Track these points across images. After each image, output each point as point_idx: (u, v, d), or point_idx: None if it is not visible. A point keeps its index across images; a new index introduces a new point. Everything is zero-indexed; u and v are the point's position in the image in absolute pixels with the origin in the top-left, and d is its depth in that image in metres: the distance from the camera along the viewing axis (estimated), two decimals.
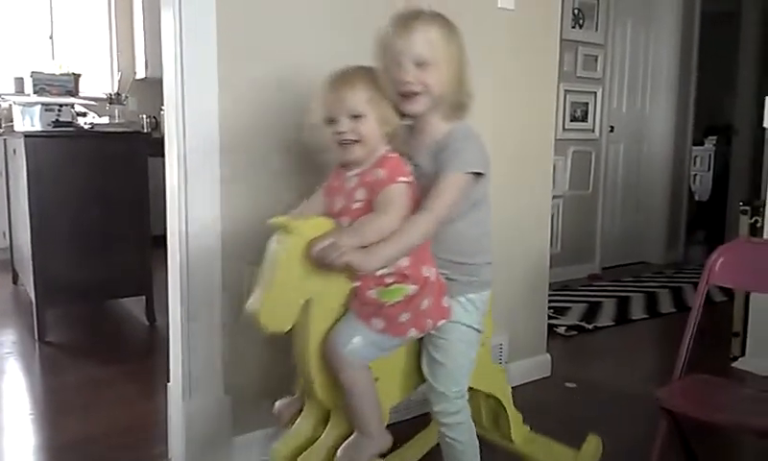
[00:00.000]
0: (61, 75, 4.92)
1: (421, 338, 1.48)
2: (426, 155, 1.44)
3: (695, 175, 6.47)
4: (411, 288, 1.38)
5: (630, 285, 4.36)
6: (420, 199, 1.39)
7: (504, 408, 1.79)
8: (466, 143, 1.41)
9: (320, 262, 1.29)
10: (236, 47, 1.80)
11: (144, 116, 5.44)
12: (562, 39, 2.65)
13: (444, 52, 1.40)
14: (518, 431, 1.82)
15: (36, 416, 2.32)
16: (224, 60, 1.77)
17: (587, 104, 4.50)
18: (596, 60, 4.47)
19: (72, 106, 3.55)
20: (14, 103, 3.60)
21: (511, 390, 1.83)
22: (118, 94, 5.39)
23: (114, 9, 5.67)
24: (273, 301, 1.29)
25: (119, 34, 5.70)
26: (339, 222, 1.40)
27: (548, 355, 2.70)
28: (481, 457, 1.55)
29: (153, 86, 5.10)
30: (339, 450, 1.38)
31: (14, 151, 3.39)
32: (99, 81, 5.55)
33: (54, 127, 3.18)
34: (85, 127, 3.46)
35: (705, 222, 6.05)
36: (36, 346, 3.00)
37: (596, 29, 4.43)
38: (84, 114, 3.88)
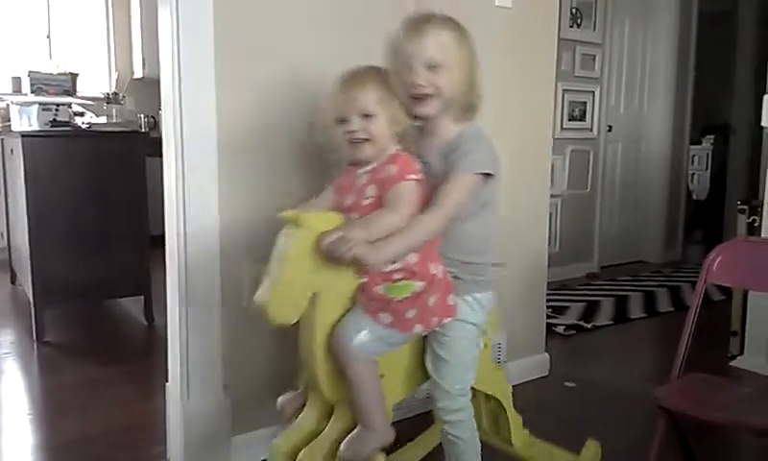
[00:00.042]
0: (59, 74, 4.92)
1: (426, 335, 1.50)
2: (436, 155, 1.45)
3: (693, 174, 6.48)
4: (418, 285, 1.40)
5: (628, 284, 4.37)
6: (429, 197, 1.40)
7: (504, 411, 1.79)
8: (476, 144, 1.43)
9: (329, 255, 1.30)
10: (234, 46, 1.80)
11: (142, 116, 5.44)
12: (559, 39, 2.66)
13: (455, 55, 1.42)
14: (518, 435, 1.82)
15: (34, 416, 2.32)
16: (221, 59, 1.77)
17: (585, 103, 4.50)
18: (594, 59, 4.48)
19: (69, 105, 3.56)
20: (12, 102, 3.60)
21: (511, 392, 1.83)
22: (116, 94, 5.40)
23: (112, 8, 5.66)
24: (281, 292, 1.30)
25: (116, 33, 5.69)
26: (349, 217, 1.42)
27: (547, 355, 2.70)
28: (481, 459, 1.56)
29: (150, 86, 5.10)
30: (342, 444, 1.38)
31: (12, 151, 3.39)
32: (96, 80, 5.55)
33: (51, 126, 3.18)
34: (83, 126, 3.46)
35: (703, 221, 6.06)
36: (35, 346, 3.00)
37: (594, 28, 4.43)
38: (82, 114, 3.88)
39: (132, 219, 3.20)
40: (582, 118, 4.51)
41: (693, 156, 6.23)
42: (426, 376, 1.55)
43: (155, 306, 3.25)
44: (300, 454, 1.40)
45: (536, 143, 2.54)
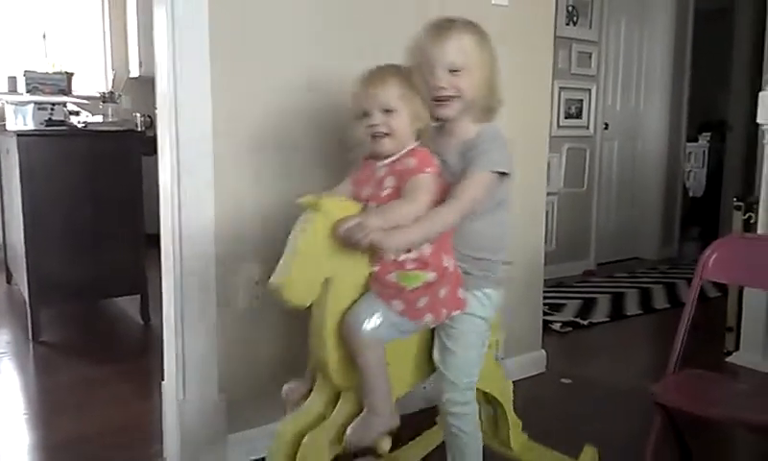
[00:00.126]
0: (54, 74, 4.91)
1: (434, 328, 1.52)
2: (454, 153, 1.49)
3: (689, 171, 6.48)
4: (430, 275, 1.42)
5: (624, 281, 4.37)
6: (446, 194, 1.43)
7: (504, 414, 1.79)
8: (494, 144, 1.47)
9: (345, 241, 1.33)
10: (229, 45, 1.80)
11: (138, 115, 5.42)
12: (556, 37, 2.66)
13: (476, 58, 1.46)
14: (517, 438, 1.82)
15: (30, 415, 2.31)
16: (217, 58, 1.77)
17: (581, 101, 4.50)
18: (590, 57, 4.48)
19: (65, 104, 3.54)
20: (7, 102, 3.59)
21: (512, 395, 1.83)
22: (111, 93, 5.39)
23: (108, 7, 5.64)
24: (297, 274, 1.32)
25: (112, 32, 5.67)
26: (366, 206, 1.45)
27: (543, 351, 2.70)
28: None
29: (146, 85, 5.08)
30: (349, 428, 1.40)
31: (7, 150, 3.38)
32: (92, 79, 5.53)
33: (46, 126, 3.17)
34: (79, 125, 3.45)
35: (699, 218, 6.07)
36: (30, 345, 2.99)
37: (590, 26, 4.44)
38: (78, 113, 3.87)
39: (127, 218, 3.19)
40: (578, 116, 4.51)
41: (689, 153, 6.23)
42: (431, 370, 1.57)
43: (151, 306, 3.24)
44: (306, 438, 1.41)
45: (532, 141, 2.54)
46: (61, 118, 3.26)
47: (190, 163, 1.77)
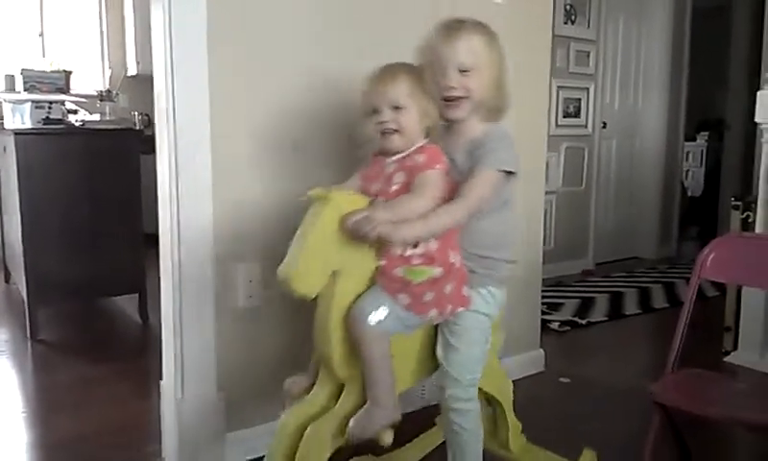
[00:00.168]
0: (52, 72, 4.90)
1: (438, 324, 1.53)
2: (462, 152, 1.51)
3: (687, 170, 6.49)
4: (437, 271, 1.44)
5: (623, 281, 4.38)
6: (453, 192, 1.45)
7: (503, 415, 1.79)
8: (501, 143, 1.49)
9: (353, 234, 1.34)
10: (227, 44, 1.79)
11: (136, 113, 5.41)
12: (554, 35, 2.65)
13: (486, 58, 1.49)
14: (516, 440, 1.82)
15: (28, 414, 2.31)
16: (215, 56, 1.76)
17: (579, 100, 4.51)
18: (588, 55, 4.48)
19: (62, 103, 3.53)
20: (4, 100, 3.58)
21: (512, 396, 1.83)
22: (109, 91, 5.37)
23: (105, 5, 5.63)
24: (305, 266, 1.34)
25: (110, 30, 5.66)
26: (375, 201, 1.46)
27: (542, 351, 2.71)
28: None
29: (144, 83, 5.06)
30: (351, 420, 1.40)
31: (5, 148, 3.37)
32: (90, 78, 5.52)
33: (44, 124, 3.16)
34: (76, 124, 3.45)
35: (697, 217, 6.07)
36: (28, 344, 2.99)
37: (588, 25, 4.44)
38: (75, 112, 3.86)
39: (126, 217, 3.18)
40: (576, 115, 4.51)
41: (687, 152, 6.24)
42: (433, 368, 1.57)
43: (149, 305, 3.24)
44: (309, 429, 1.41)
45: (530, 140, 2.53)
46: (59, 117, 3.25)
47: (188, 162, 1.76)
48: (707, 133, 6.66)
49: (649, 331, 3.51)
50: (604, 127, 4.80)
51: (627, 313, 3.63)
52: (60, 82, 4.82)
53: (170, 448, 1.87)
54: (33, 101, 3.29)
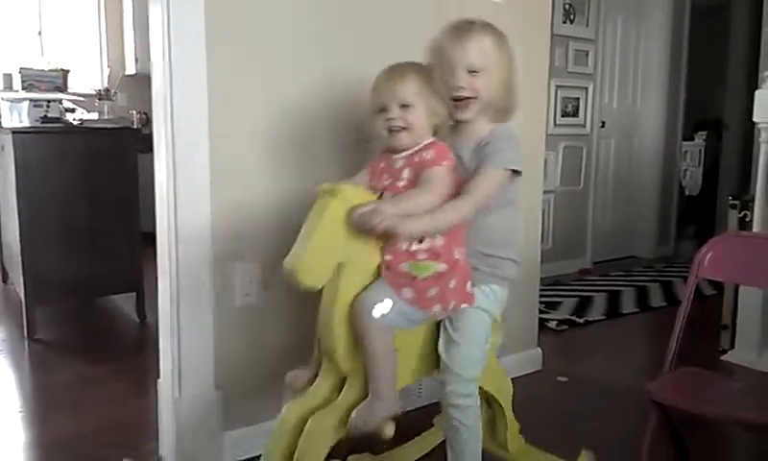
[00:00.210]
0: (50, 71, 4.89)
1: (440, 322, 1.54)
2: (468, 150, 1.53)
3: (685, 170, 6.50)
4: (441, 266, 1.45)
5: (621, 280, 4.38)
6: (460, 189, 1.46)
7: (503, 415, 1.80)
8: (507, 142, 1.51)
9: (360, 227, 1.36)
10: (226, 43, 1.79)
11: (134, 112, 5.41)
12: (552, 34, 2.65)
13: (495, 60, 1.51)
14: (515, 441, 1.82)
15: (25, 413, 2.31)
16: (213, 55, 1.76)
17: (578, 99, 4.51)
18: (587, 55, 4.48)
19: (60, 102, 3.53)
20: (2, 99, 3.58)
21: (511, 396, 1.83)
22: (107, 90, 5.37)
23: (103, 4, 5.63)
24: (312, 256, 1.35)
25: (108, 29, 5.66)
26: (383, 195, 1.48)
27: (539, 349, 2.71)
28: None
29: (142, 82, 5.06)
30: (353, 412, 1.41)
31: (2, 147, 3.36)
32: (88, 76, 5.52)
33: (42, 123, 3.15)
34: (74, 123, 3.45)
35: (695, 217, 6.08)
36: (26, 343, 2.98)
37: (587, 24, 4.44)
38: (73, 110, 3.86)
39: (124, 216, 3.18)
40: (575, 114, 4.52)
41: (686, 151, 6.24)
42: (434, 366, 1.58)
43: (147, 304, 3.24)
44: (310, 420, 1.42)
45: (528, 139, 2.52)
46: (57, 115, 3.25)
47: (186, 161, 1.76)
48: (705, 132, 6.67)
49: (646, 330, 3.51)
50: (602, 126, 4.81)
51: (624, 312, 3.64)
52: (59, 80, 4.81)
53: (167, 446, 1.87)
54: (31, 99, 3.29)
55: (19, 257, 3.03)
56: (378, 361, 1.41)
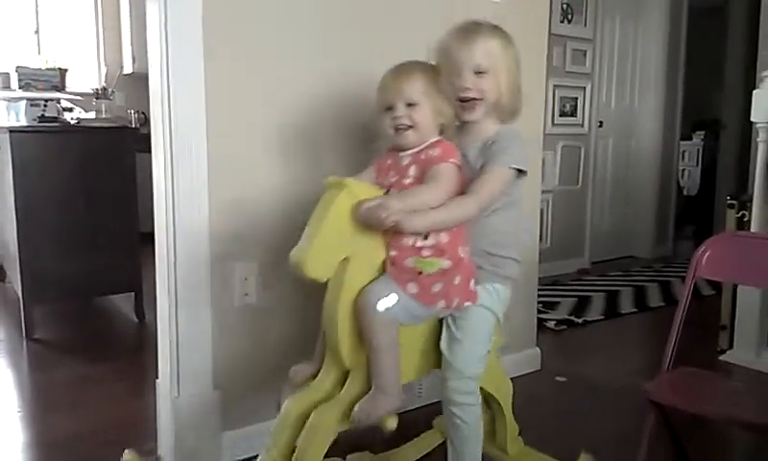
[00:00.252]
0: (47, 70, 4.89)
1: (442, 319, 1.55)
2: (474, 149, 1.54)
3: (683, 170, 6.51)
4: (446, 263, 1.46)
5: (619, 280, 4.39)
6: (465, 187, 1.48)
7: (502, 417, 1.79)
8: (513, 142, 1.53)
9: (366, 221, 1.38)
10: (224, 42, 1.79)
11: (132, 111, 5.40)
12: (550, 34, 2.65)
13: (501, 61, 1.53)
14: (514, 444, 1.82)
15: (24, 413, 2.30)
16: (211, 54, 1.76)
17: (575, 99, 4.51)
18: (585, 54, 4.48)
19: (58, 101, 3.53)
20: None
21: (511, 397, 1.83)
22: (105, 89, 5.37)
23: (101, 3, 5.62)
24: (318, 248, 1.36)
25: (106, 28, 5.65)
26: (389, 192, 1.49)
27: (538, 349, 2.71)
28: None
29: (140, 81, 5.04)
30: (356, 405, 1.42)
31: None
32: (85, 76, 5.51)
33: (39, 122, 3.15)
34: (72, 122, 3.44)
35: (693, 216, 6.09)
36: (24, 343, 2.98)
37: (585, 24, 4.44)
38: (71, 109, 3.85)
39: (122, 215, 3.18)
40: (573, 114, 4.52)
41: (683, 151, 6.25)
42: (435, 365, 1.58)
43: (145, 303, 3.23)
44: (313, 414, 1.42)
45: (527, 139, 2.50)
46: (54, 114, 3.24)
47: (184, 161, 1.76)
48: (702, 132, 6.68)
49: (645, 330, 3.51)
50: (600, 126, 4.81)
51: (623, 312, 3.64)
52: (56, 79, 4.81)
53: (166, 446, 1.86)
54: (28, 99, 3.29)
55: (17, 257, 3.02)
56: (382, 355, 1.42)
